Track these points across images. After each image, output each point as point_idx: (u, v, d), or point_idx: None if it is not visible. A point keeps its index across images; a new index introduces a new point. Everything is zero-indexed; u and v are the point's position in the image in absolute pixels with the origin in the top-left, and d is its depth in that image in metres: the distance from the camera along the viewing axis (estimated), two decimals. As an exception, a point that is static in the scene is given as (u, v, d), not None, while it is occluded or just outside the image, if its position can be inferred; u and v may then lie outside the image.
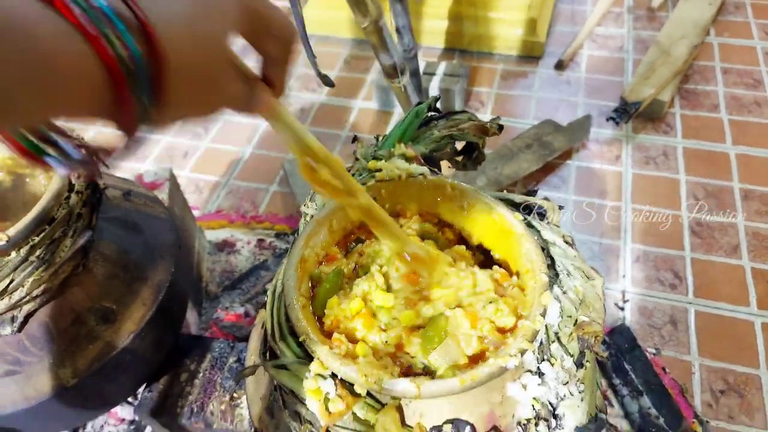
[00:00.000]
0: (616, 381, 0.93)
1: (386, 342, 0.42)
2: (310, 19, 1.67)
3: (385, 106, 1.45)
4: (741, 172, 1.23)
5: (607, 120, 1.31)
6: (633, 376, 0.94)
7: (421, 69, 1.36)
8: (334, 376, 0.41)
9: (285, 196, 1.29)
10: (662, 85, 1.34)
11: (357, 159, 0.54)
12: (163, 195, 0.93)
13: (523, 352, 0.40)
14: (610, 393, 0.93)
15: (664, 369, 0.96)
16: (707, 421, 0.89)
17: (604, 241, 1.14)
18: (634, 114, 1.29)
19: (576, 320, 0.46)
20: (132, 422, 0.89)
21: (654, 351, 0.98)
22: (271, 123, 0.37)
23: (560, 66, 1.50)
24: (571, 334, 0.45)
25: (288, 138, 0.38)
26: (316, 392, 0.40)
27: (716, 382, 0.94)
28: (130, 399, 0.87)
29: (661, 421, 0.88)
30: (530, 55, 1.54)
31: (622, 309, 1.04)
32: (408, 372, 0.42)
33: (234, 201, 1.29)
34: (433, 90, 1.38)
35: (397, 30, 1.10)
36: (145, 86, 0.25)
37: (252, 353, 0.52)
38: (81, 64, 0.23)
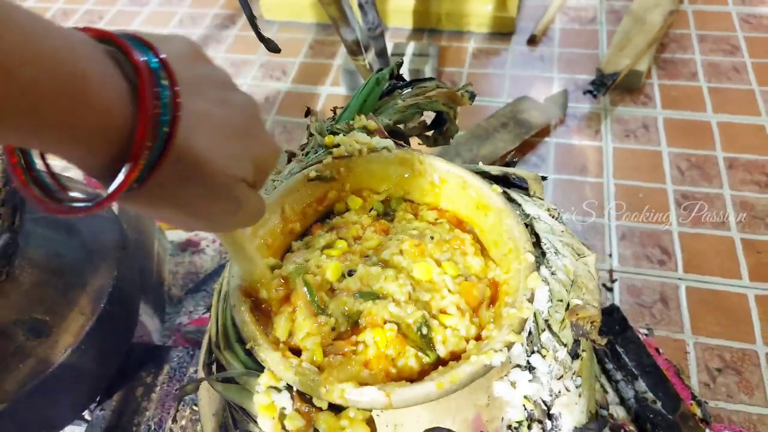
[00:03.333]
0: (609, 366, 0.88)
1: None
2: (270, 5, 1.60)
3: (354, 90, 1.38)
4: (723, 141, 1.19)
5: (584, 93, 1.26)
6: (626, 359, 0.89)
7: (389, 51, 1.29)
8: (290, 387, 0.34)
9: (251, 190, 1.21)
10: (638, 54, 1.29)
11: (311, 135, 0.47)
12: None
13: (509, 346, 0.34)
14: (603, 379, 0.88)
15: (657, 350, 0.91)
16: (705, 402, 0.85)
17: (588, 219, 1.09)
18: (611, 86, 1.24)
19: (568, 304, 0.40)
20: (90, 443, 0.81)
21: (646, 331, 0.94)
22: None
23: (533, 41, 1.45)
24: (564, 320, 0.39)
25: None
26: (268, 408, 0.34)
27: (712, 360, 0.90)
28: (86, 415, 0.80)
29: (659, 405, 0.83)
30: (501, 31, 1.48)
31: (611, 290, 1.00)
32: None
33: (198, 198, 1.21)
34: (403, 71, 1.31)
35: (360, 6, 1.03)
36: (157, 147, 0.23)
37: (201, 366, 0.45)
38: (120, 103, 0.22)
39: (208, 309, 0.96)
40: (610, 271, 1.02)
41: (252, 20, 0.53)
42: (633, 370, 0.88)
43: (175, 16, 1.71)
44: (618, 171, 1.16)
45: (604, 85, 1.24)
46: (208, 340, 0.39)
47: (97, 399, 0.65)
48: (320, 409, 0.34)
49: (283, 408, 0.34)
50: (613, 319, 0.95)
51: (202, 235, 1.12)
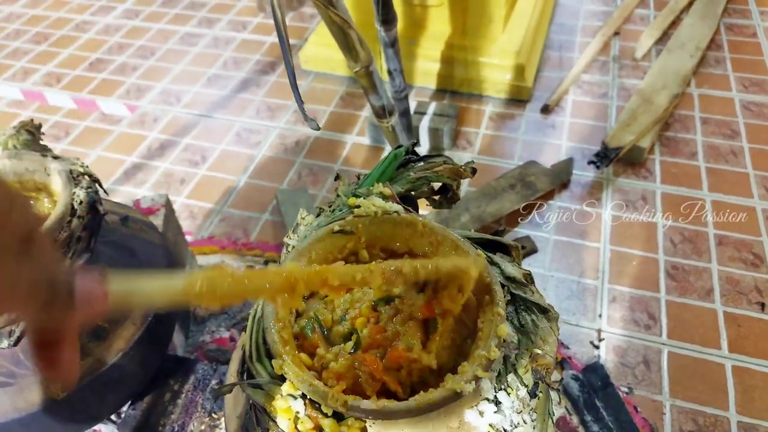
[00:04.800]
0: (588, 417, 0.96)
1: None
2: (308, 57, 1.76)
3: (377, 142, 1.51)
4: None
5: (589, 163, 1.37)
6: (605, 414, 0.97)
7: (412, 108, 1.42)
8: (304, 396, 0.44)
9: (276, 225, 1.33)
10: (643, 132, 1.40)
11: (338, 195, 0.58)
12: (158, 220, 0.97)
13: (476, 379, 0.43)
14: (581, 429, 0.95)
15: (635, 408, 0.98)
16: (675, 460, 0.91)
17: (582, 280, 1.18)
18: (614, 159, 1.35)
19: (531, 352, 0.49)
20: (114, 441, 0.91)
21: (627, 390, 1.01)
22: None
23: (546, 110, 1.57)
24: (527, 365, 0.49)
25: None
26: (286, 411, 0.44)
27: (686, 423, 0.97)
28: (113, 417, 0.90)
29: (630, 458, 0.91)
30: (518, 98, 1.61)
31: (597, 347, 1.08)
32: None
33: (226, 228, 1.33)
34: (423, 128, 1.44)
35: (389, 72, 1.16)
36: None
37: (231, 374, 0.55)
38: None
39: (228, 330, 1.06)
40: (599, 331, 1.10)
41: (300, 105, 0.64)
42: (610, 424, 0.95)
43: (220, 59, 1.87)
44: (614, 238, 1.25)
45: (607, 157, 1.34)
46: (242, 353, 0.49)
47: (131, 399, 0.75)
48: (326, 415, 0.44)
49: (298, 412, 0.44)
50: (596, 376, 1.03)
51: (228, 262, 1.24)
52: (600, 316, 1.12)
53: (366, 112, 1.61)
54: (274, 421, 0.45)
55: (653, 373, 1.04)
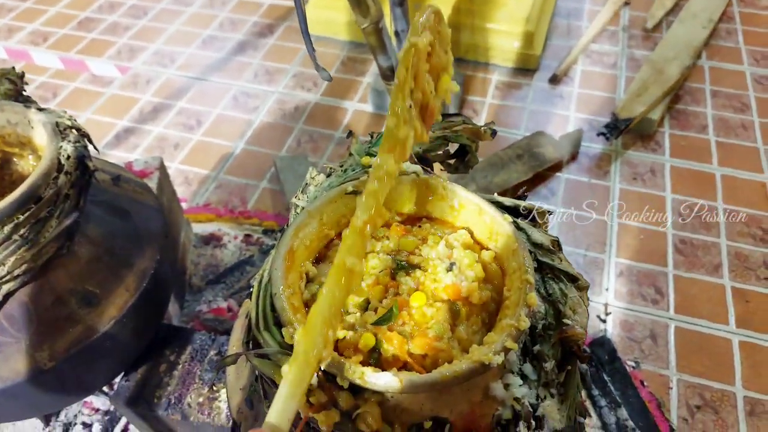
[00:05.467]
0: (595, 392, 0.94)
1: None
2: (309, 19, 1.68)
3: (380, 109, 1.45)
4: (725, 193, 1.25)
5: (598, 135, 1.33)
6: (612, 388, 0.95)
7: (417, 74, 1.36)
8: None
9: (274, 194, 1.28)
10: (653, 103, 1.36)
11: (351, 154, 0.54)
12: (152, 184, 0.92)
13: (506, 351, 0.40)
14: (588, 403, 0.93)
15: (642, 382, 0.96)
16: (682, 436, 0.90)
17: (589, 253, 1.15)
18: (624, 130, 1.31)
19: (560, 323, 0.46)
20: (107, 413, 0.88)
21: (633, 364, 0.99)
22: None
23: (554, 80, 1.52)
24: (554, 337, 0.46)
25: None
26: (298, 382, 0.40)
27: (693, 397, 0.95)
28: (105, 389, 0.86)
29: (638, 433, 0.89)
30: (525, 67, 1.56)
31: (604, 321, 1.05)
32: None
33: (223, 195, 1.28)
34: (428, 96, 1.38)
35: (396, 34, 1.10)
36: None
37: (234, 344, 0.51)
38: None
39: (226, 300, 1.03)
40: (606, 305, 1.08)
41: (312, 53, 0.60)
42: (617, 398, 0.93)
43: (216, 20, 1.80)
44: (622, 210, 1.22)
45: (617, 128, 1.30)
46: (248, 322, 0.46)
47: (125, 370, 0.71)
48: (341, 388, 0.40)
49: (311, 384, 0.40)
50: (603, 350, 1.00)
51: (225, 230, 1.19)
52: (607, 290, 1.10)
53: (368, 78, 1.55)
54: (284, 394, 0.41)
55: (660, 348, 1.02)
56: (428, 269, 0.47)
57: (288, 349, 0.42)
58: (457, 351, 0.42)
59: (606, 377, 0.96)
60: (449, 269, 0.46)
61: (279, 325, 0.43)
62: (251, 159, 1.37)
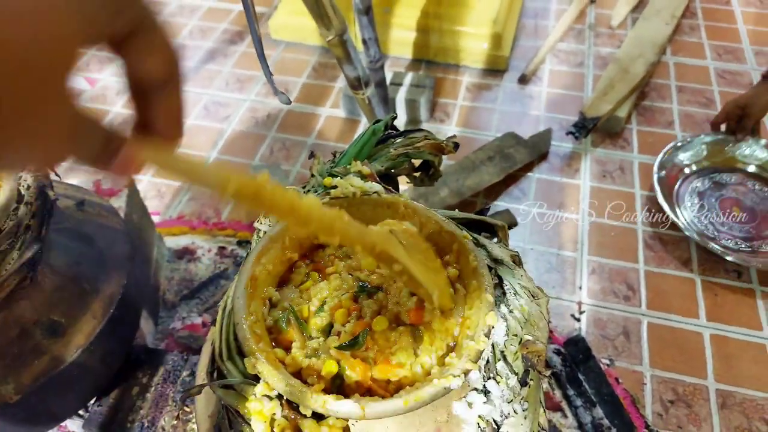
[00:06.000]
0: (570, 392, 0.96)
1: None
2: (278, 25, 1.68)
3: (352, 114, 1.45)
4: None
5: (567, 134, 1.34)
6: (587, 387, 0.96)
7: (388, 79, 1.37)
8: (280, 396, 0.41)
9: (248, 204, 1.27)
10: (620, 101, 1.38)
11: (312, 175, 0.54)
12: (120, 202, 0.91)
13: (466, 373, 0.41)
14: (564, 404, 0.95)
15: (617, 379, 0.98)
16: (657, 431, 0.92)
17: (562, 252, 1.17)
18: (592, 129, 1.33)
19: (521, 339, 0.47)
20: (83, 436, 0.87)
21: (608, 362, 1.01)
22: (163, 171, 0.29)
23: (523, 80, 1.54)
24: (516, 352, 0.46)
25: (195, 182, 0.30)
26: (260, 414, 0.40)
27: (666, 392, 0.97)
28: (81, 412, 0.85)
29: (614, 431, 0.90)
30: (495, 68, 1.57)
31: (578, 320, 1.07)
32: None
33: (196, 207, 1.27)
34: (400, 100, 1.39)
35: (364, 42, 1.10)
36: None
37: (201, 370, 0.51)
38: None
39: (201, 315, 1.02)
40: (579, 303, 1.09)
41: (270, 77, 0.60)
42: (592, 397, 0.95)
43: (186, 28, 1.78)
44: (593, 209, 1.24)
45: (585, 127, 1.32)
46: (212, 351, 0.46)
47: (97, 395, 0.71)
48: (305, 416, 0.40)
49: (274, 414, 0.41)
50: (578, 349, 1.02)
51: (199, 243, 1.18)
52: (580, 288, 1.11)
53: (340, 84, 1.55)
54: (248, 424, 0.41)
55: (633, 344, 1.03)
56: (390, 292, 0.47)
57: (251, 378, 0.42)
58: (421, 375, 0.43)
59: (581, 376, 0.98)
60: (412, 295, 0.46)
61: (242, 354, 0.43)
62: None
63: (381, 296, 0.47)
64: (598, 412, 0.93)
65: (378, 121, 0.57)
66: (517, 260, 0.50)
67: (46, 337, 0.58)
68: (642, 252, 1.16)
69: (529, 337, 0.46)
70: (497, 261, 0.50)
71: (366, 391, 0.42)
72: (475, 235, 0.51)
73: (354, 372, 0.42)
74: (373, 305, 0.46)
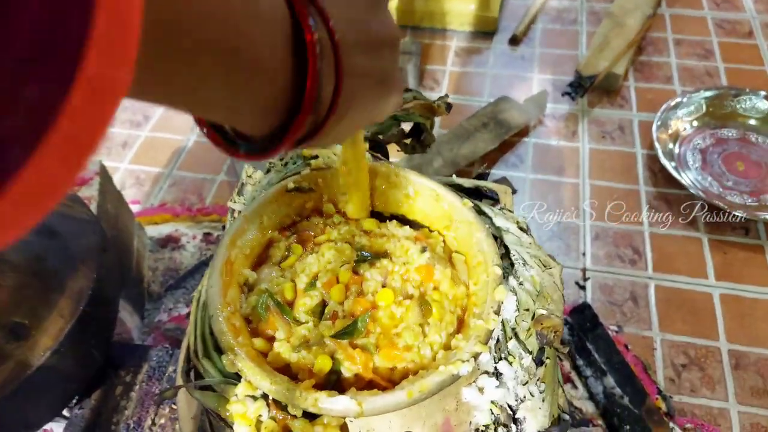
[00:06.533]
0: (580, 362, 0.92)
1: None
2: None
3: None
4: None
5: (563, 95, 1.28)
6: (596, 356, 0.92)
7: (371, 47, 1.30)
8: (265, 396, 0.36)
9: (233, 186, 1.21)
10: (616, 57, 1.32)
11: (290, 146, 0.49)
12: (92, 191, 0.85)
13: (476, 357, 0.36)
14: (573, 375, 0.91)
15: (626, 346, 0.94)
16: (670, 397, 0.88)
17: (564, 219, 1.12)
18: (589, 88, 1.27)
19: (534, 314, 0.42)
20: (70, 439, 0.82)
21: (616, 328, 0.97)
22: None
23: (514, 41, 1.47)
24: (529, 329, 0.41)
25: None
26: (243, 417, 0.35)
27: (678, 356, 0.93)
28: (66, 413, 0.81)
29: (626, 400, 0.87)
30: (484, 30, 1.50)
31: (583, 288, 1.02)
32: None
33: (178, 193, 1.21)
34: (385, 69, 1.32)
35: None
36: (329, 73, 0.23)
37: (179, 370, 0.46)
38: (283, 40, 0.22)
39: (188, 305, 0.97)
40: (583, 270, 1.05)
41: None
42: (602, 366, 0.91)
43: None
44: (594, 172, 1.19)
45: (582, 86, 1.26)
46: (187, 348, 0.40)
47: (76, 397, 0.66)
48: (295, 417, 0.35)
49: (260, 415, 0.36)
50: (584, 317, 0.98)
51: (183, 230, 1.13)
52: (584, 254, 1.07)
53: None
54: (231, 428, 0.36)
55: (641, 309, 0.99)
56: (397, 253, 0.41)
57: (231, 377, 0.37)
58: (429, 359, 0.38)
59: (589, 345, 0.93)
60: (423, 251, 0.41)
61: (220, 351, 0.38)
62: (205, 152, 1.29)
63: (386, 263, 0.41)
64: (609, 381, 0.89)
65: (361, 81, 0.51)
66: (524, 227, 0.45)
67: (10, 341, 0.52)
68: (646, 213, 1.11)
69: (543, 311, 0.41)
70: (502, 229, 0.45)
71: (366, 384, 0.37)
72: (477, 202, 0.46)
73: (353, 364, 0.36)
74: (376, 275, 0.40)
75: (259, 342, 0.38)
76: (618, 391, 0.89)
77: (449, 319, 0.40)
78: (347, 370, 0.37)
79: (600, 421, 0.87)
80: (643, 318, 0.98)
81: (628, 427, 0.84)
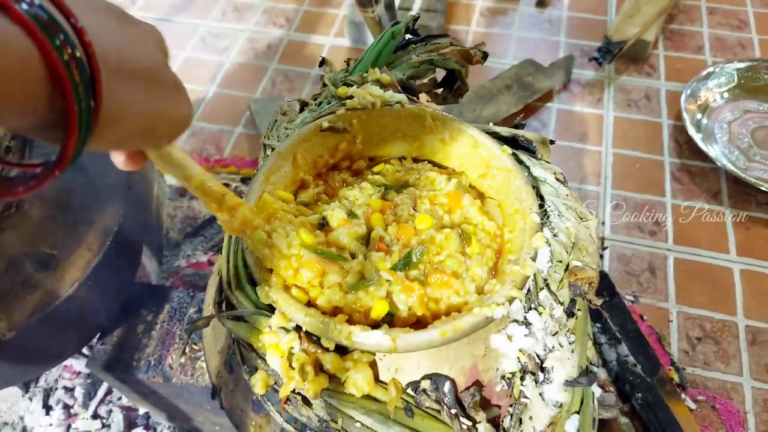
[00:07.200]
0: (594, 329, 0.92)
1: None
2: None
3: (358, 44, 1.36)
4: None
5: (590, 60, 1.25)
6: (611, 324, 0.92)
7: (397, 3, 1.27)
8: (298, 328, 0.36)
9: (251, 139, 1.21)
10: (647, 23, 1.28)
11: (325, 85, 0.47)
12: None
13: (511, 300, 0.35)
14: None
15: (641, 316, 0.94)
16: (683, 368, 0.88)
17: (584, 186, 1.10)
18: (618, 54, 1.24)
19: (567, 265, 0.41)
20: (89, 376, 0.84)
21: (632, 298, 0.96)
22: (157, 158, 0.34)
23: (542, 3, 1.43)
24: (562, 280, 0.41)
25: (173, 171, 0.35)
26: (276, 347, 0.35)
27: (693, 329, 0.93)
28: (86, 351, 0.82)
29: (638, 368, 0.87)
30: (511, -10, 1.45)
31: (601, 256, 1.01)
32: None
33: (197, 144, 1.21)
34: (410, 26, 1.29)
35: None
36: (86, 91, 0.23)
37: (208, 303, 0.46)
38: (25, 65, 0.22)
39: (206, 253, 0.98)
40: (602, 239, 1.03)
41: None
42: (617, 334, 0.91)
43: (178, -46, 1.65)
44: (617, 140, 1.17)
45: (610, 52, 1.23)
46: (219, 280, 0.40)
47: (99, 333, 0.67)
48: (327, 350, 0.35)
49: (292, 347, 0.36)
50: (600, 285, 0.97)
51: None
52: (603, 223, 1.06)
53: (344, 11, 1.45)
54: (263, 359, 0.36)
55: (659, 280, 0.99)
56: (423, 183, 0.41)
57: (264, 309, 0.37)
58: (474, 293, 0.37)
59: (604, 313, 0.93)
60: (449, 180, 0.40)
61: (253, 283, 0.38)
62: (224, 103, 1.28)
63: (411, 191, 0.40)
64: (623, 348, 0.90)
65: (397, 22, 0.49)
66: (561, 179, 0.44)
67: (38, 270, 0.53)
68: (669, 184, 1.10)
69: (578, 263, 0.40)
70: (539, 180, 0.44)
71: (416, 321, 0.37)
72: (515, 151, 0.45)
73: (410, 297, 0.36)
74: (406, 199, 0.40)
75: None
76: (631, 359, 0.89)
77: (489, 254, 0.40)
78: (403, 303, 0.36)
79: (612, 388, 0.88)
80: (660, 289, 0.97)
81: (639, 395, 0.84)
